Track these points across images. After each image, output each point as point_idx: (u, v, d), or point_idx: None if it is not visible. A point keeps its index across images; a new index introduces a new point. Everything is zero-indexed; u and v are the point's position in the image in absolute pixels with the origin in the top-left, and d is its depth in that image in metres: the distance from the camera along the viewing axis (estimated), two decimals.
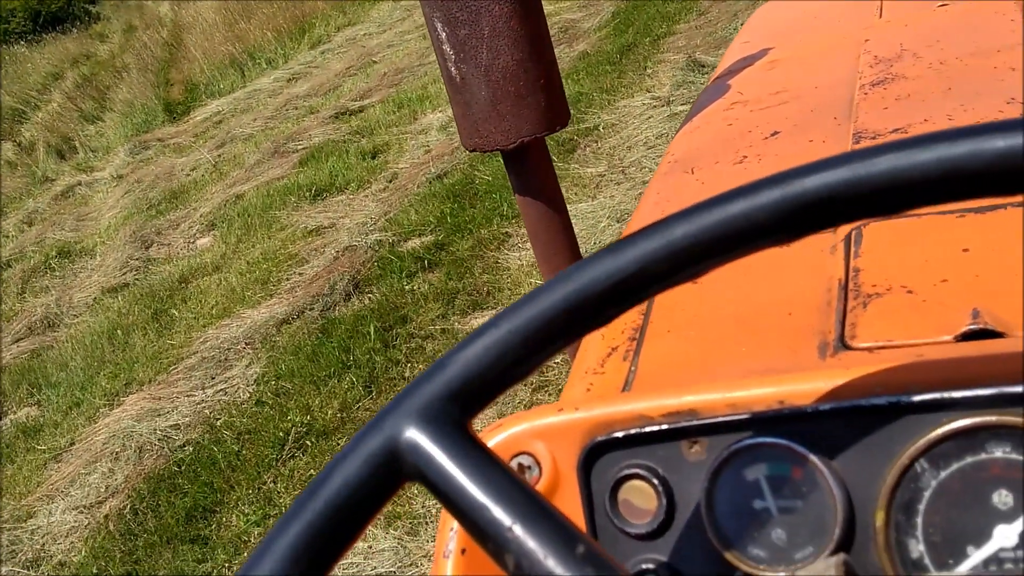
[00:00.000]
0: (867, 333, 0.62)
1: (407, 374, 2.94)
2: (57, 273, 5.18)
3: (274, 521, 2.51)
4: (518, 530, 0.33)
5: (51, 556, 2.75)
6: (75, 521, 2.86)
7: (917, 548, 0.45)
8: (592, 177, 3.90)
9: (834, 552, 0.46)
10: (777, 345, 0.65)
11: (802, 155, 0.96)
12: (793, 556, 0.48)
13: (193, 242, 4.94)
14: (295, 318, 3.58)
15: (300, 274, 3.96)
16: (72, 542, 2.78)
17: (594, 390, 0.71)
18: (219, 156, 6.26)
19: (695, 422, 0.51)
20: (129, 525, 2.74)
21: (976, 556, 0.44)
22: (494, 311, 3.12)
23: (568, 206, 3.73)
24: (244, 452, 2.86)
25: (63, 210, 6.39)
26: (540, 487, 0.55)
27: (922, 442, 0.45)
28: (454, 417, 0.37)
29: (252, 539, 2.49)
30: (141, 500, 2.82)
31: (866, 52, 1.22)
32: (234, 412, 3.10)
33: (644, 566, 0.51)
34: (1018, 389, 0.43)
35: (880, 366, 0.48)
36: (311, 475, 2.64)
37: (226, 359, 3.48)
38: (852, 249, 0.73)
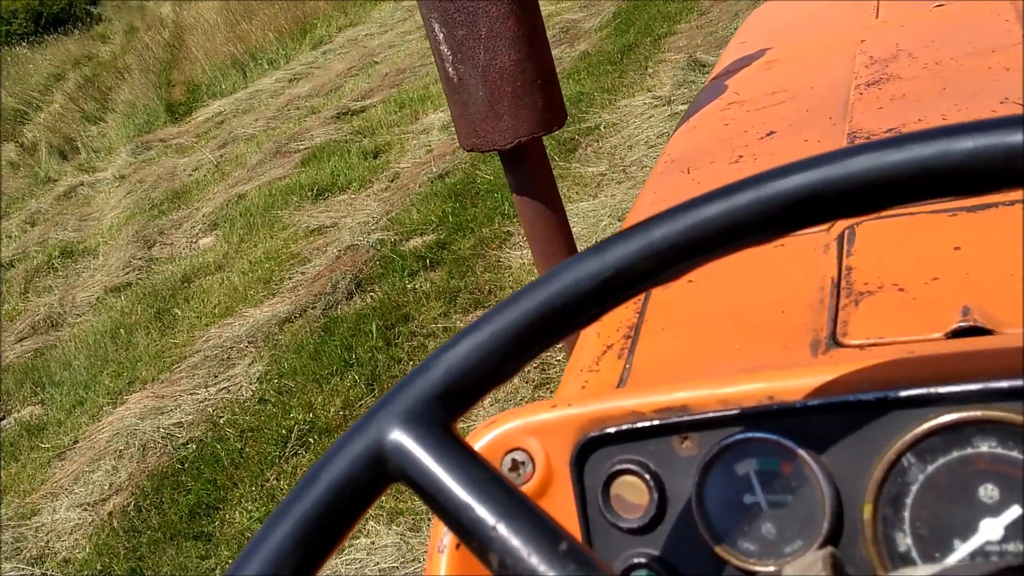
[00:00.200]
0: (859, 330, 0.63)
1: (409, 372, 2.95)
2: (60, 273, 5.20)
3: None
4: (502, 529, 0.34)
5: (56, 553, 2.77)
6: (79, 518, 2.88)
7: (904, 541, 0.46)
8: (593, 176, 3.91)
9: (823, 546, 0.47)
10: (770, 342, 0.66)
11: (797, 155, 0.97)
12: (783, 550, 0.48)
13: (195, 242, 4.96)
14: (297, 317, 3.60)
15: (302, 273, 3.97)
16: (76, 539, 2.80)
17: (589, 387, 0.72)
18: (221, 156, 6.27)
19: (686, 418, 0.51)
20: (133, 522, 2.75)
21: (962, 549, 0.44)
22: None
23: (570, 205, 3.75)
24: (247, 449, 2.88)
25: (66, 210, 6.41)
26: (534, 483, 0.56)
27: (909, 437, 0.46)
28: (438, 418, 0.37)
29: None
30: (145, 497, 2.84)
31: (862, 52, 1.23)
32: (237, 410, 3.12)
33: (636, 560, 0.52)
34: (1004, 384, 0.44)
35: (869, 362, 0.49)
36: None
37: (229, 357, 3.50)
38: (845, 247, 0.74)
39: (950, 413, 0.45)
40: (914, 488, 0.46)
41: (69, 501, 2.98)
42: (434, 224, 3.93)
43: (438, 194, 4.22)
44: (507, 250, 3.52)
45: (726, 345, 0.68)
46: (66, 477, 3.12)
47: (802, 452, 0.48)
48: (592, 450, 0.54)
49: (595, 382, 0.72)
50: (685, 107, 4.14)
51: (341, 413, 2.87)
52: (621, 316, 0.79)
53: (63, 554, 2.75)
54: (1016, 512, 0.44)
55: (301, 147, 5.71)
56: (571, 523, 0.54)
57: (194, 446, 3.02)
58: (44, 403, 3.79)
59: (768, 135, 1.07)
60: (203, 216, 5.19)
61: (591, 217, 3.50)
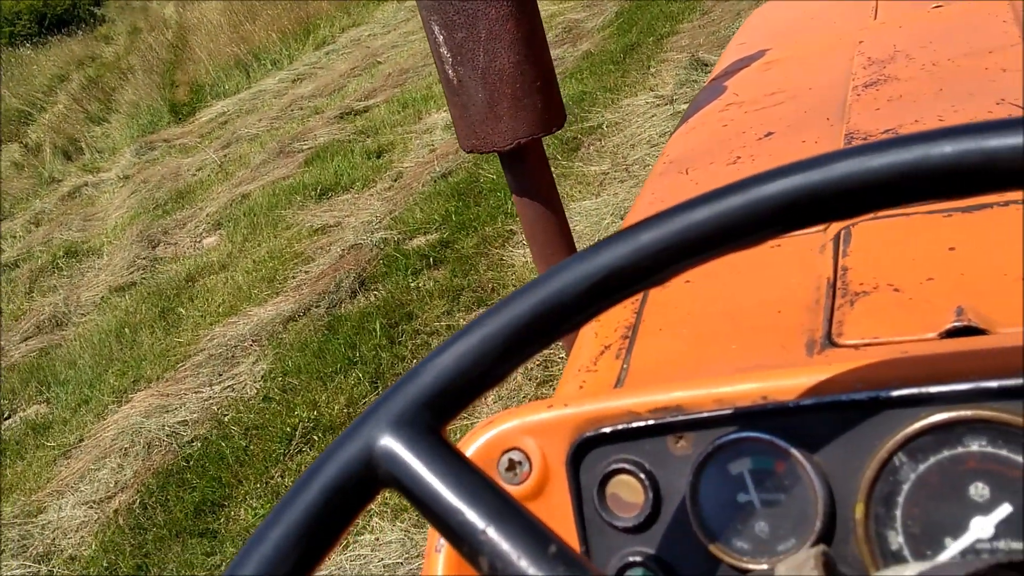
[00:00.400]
0: (854, 330, 0.63)
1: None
2: (64, 272, 5.23)
3: None
4: (491, 532, 0.34)
5: (62, 550, 2.79)
6: (85, 516, 2.90)
7: (896, 540, 0.46)
8: (596, 175, 3.92)
9: (815, 544, 0.47)
10: (766, 342, 0.67)
11: (795, 156, 0.97)
12: (776, 548, 0.49)
13: (199, 241, 4.97)
14: (301, 315, 3.61)
15: (306, 272, 3.99)
16: (82, 536, 2.82)
17: (587, 388, 0.72)
18: (225, 156, 6.29)
19: (680, 417, 0.52)
20: (138, 519, 2.77)
21: (953, 547, 0.45)
22: None
23: (572, 204, 3.76)
24: (252, 447, 2.90)
25: (70, 210, 6.44)
26: (530, 482, 0.56)
27: (900, 436, 0.46)
28: (428, 424, 0.37)
29: None
30: (150, 495, 2.86)
31: (860, 53, 1.24)
32: (241, 408, 3.14)
33: (632, 559, 0.52)
34: (995, 384, 0.44)
35: (862, 362, 0.50)
36: None
37: (233, 356, 3.51)
38: (841, 248, 0.75)
39: (941, 412, 0.45)
40: (906, 487, 0.46)
41: (75, 499, 3.00)
42: (437, 223, 3.94)
43: (441, 193, 4.23)
44: (510, 248, 3.54)
45: (723, 345, 0.69)
46: (72, 475, 3.14)
47: (795, 451, 0.48)
48: (588, 450, 0.54)
49: (593, 382, 0.73)
50: (687, 106, 4.15)
51: (345, 411, 2.88)
52: (619, 316, 0.80)
53: (69, 551, 2.77)
54: (1007, 510, 0.44)
55: (305, 147, 5.73)
56: (567, 522, 0.55)
57: (199, 444, 3.04)
58: (49, 402, 3.82)
59: (766, 136, 1.07)
60: (207, 216, 5.21)
61: (594, 216, 3.51)
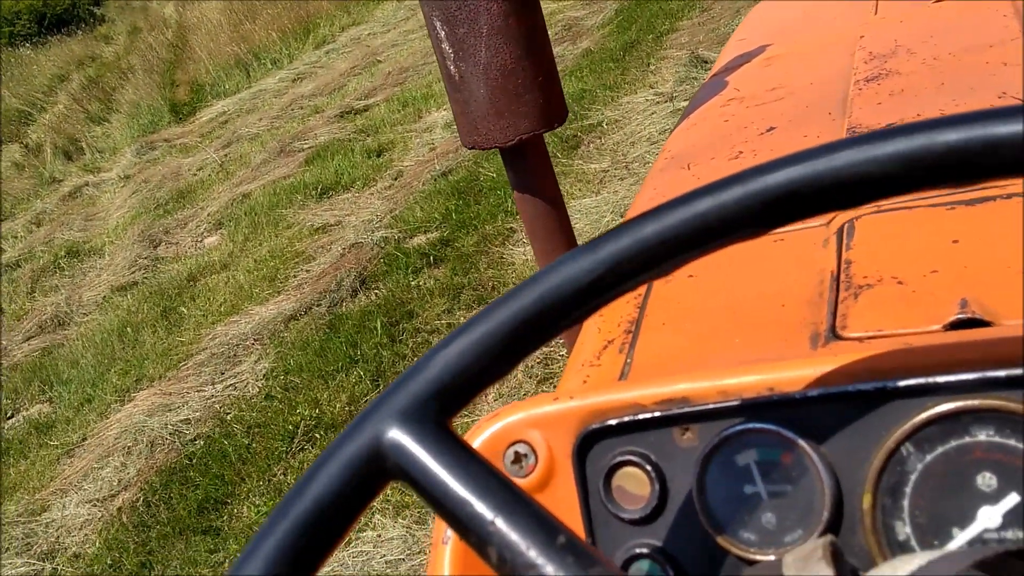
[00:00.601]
0: (858, 323, 0.63)
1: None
2: (66, 272, 5.23)
3: None
4: (500, 523, 0.34)
5: (66, 548, 2.80)
6: (88, 514, 2.90)
7: (903, 530, 0.46)
8: (596, 173, 3.92)
9: (822, 535, 0.47)
10: (770, 336, 0.67)
11: (796, 150, 0.98)
12: (783, 539, 0.49)
13: (201, 241, 4.98)
14: (303, 314, 3.62)
15: (307, 271, 3.99)
16: (86, 534, 2.82)
17: (591, 381, 0.72)
18: (225, 156, 6.30)
19: (687, 409, 0.51)
20: (142, 517, 2.78)
21: (961, 537, 0.45)
22: None
23: (572, 201, 3.76)
24: (254, 445, 2.90)
25: (71, 210, 6.44)
26: (536, 475, 0.56)
27: (908, 426, 0.46)
28: (435, 416, 0.37)
29: None
30: (153, 493, 2.87)
31: (861, 48, 1.24)
32: (244, 406, 3.14)
33: (638, 551, 0.52)
34: (1001, 374, 0.44)
35: (867, 353, 0.50)
36: None
37: (235, 355, 3.52)
38: (844, 241, 0.75)
39: (948, 402, 0.45)
40: (913, 477, 0.46)
41: (78, 497, 3.01)
42: (437, 221, 3.94)
43: (441, 192, 4.23)
44: (510, 246, 3.54)
45: (727, 339, 0.69)
46: (75, 474, 3.15)
47: (802, 442, 0.48)
48: (594, 442, 0.54)
49: (596, 376, 0.73)
50: (687, 103, 4.15)
51: (347, 409, 2.89)
52: (622, 311, 0.80)
53: (73, 549, 2.78)
54: (1014, 499, 0.44)
55: (305, 146, 5.73)
56: (573, 514, 0.55)
57: (202, 442, 3.04)
58: (52, 401, 3.82)
59: (768, 131, 1.08)
60: (208, 215, 5.22)
61: (594, 213, 3.52)
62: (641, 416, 0.53)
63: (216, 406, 3.22)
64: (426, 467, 0.36)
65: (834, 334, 0.63)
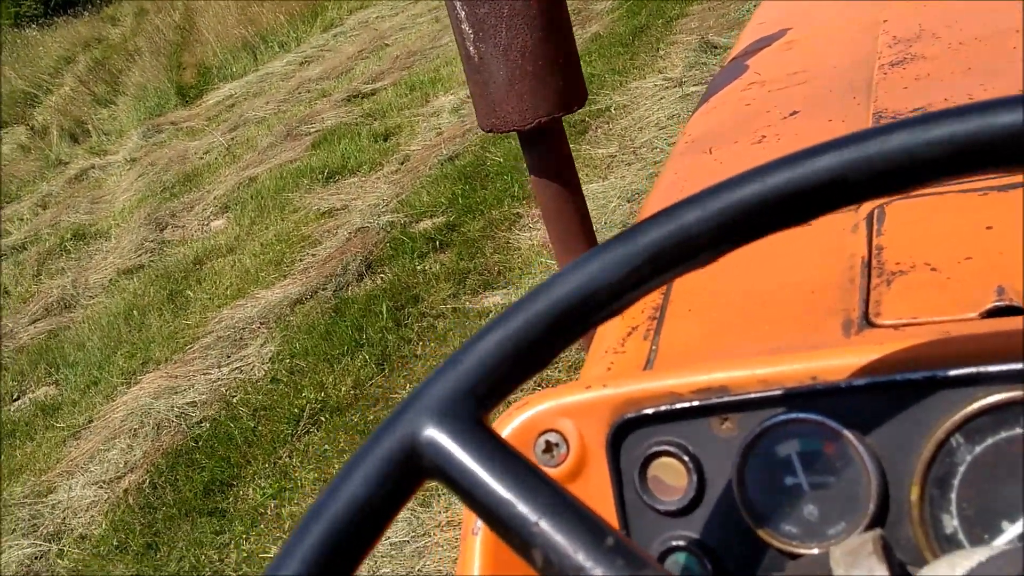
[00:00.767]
0: (891, 311, 0.62)
1: (419, 352, 2.97)
2: (72, 255, 5.23)
3: (290, 495, 2.55)
4: (544, 525, 0.33)
5: (72, 529, 2.81)
6: (95, 496, 2.91)
7: (951, 523, 0.45)
8: (603, 158, 3.89)
9: (868, 528, 0.46)
10: (800, 323, 0.65)
11: (822, 134, 0.96)
12: (826, 532, 0.48)
13: (207, 224, 4.97)
14: (308, 298, 3.61)
15: (313, 255, 3.98)
16: (92, 516, 2.83)
17: (615, 369, 0.71)
18: (232, 139, 6.28)
19: (726, 399, 0.50)
20: (148, 499, 2.79)
21: (1011, 531, 0.44)
22: (505, 290, 3.14)
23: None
24: (260, 428, 2.90)
25: (77, 193, 6.44)
26: (568, 464, 0.55)
27: (958, 416, 0.45)
28: (472, 413, 0.36)
29: (268, 511, 2.54)
30: (160, 475, 2.87)
31: (884, 32, 1.22)
32: (250, 389, 3.14)
33: (675, 543, 0.51)
34: None
35: (911, 341, 0.48)
36: (326, 450, 2.68)
37: (241, 338, 3.52)
38: (875, 227, 0.73)
39: (999, 393, 0.44)
40: (961, 469, 0.45)
41: (85, 479, 3.02)
42: (444, 206, 3.93)
43: (448, 176, 4.21)
44: (516, 232, 3.52)
45: (754, 326, 0.68)
46: (81, 456, 3.16)
47: (847, 433, 0.47)
48: (628, 431, 0.53)
49: (620, 363, 0.71)
50: (696, 88, 4.11)
51: (352, 392, 2.89)
52: (646, 298, 0.79)
53: (79, 530, 2.79)
54: None
55: (312, 130, 5.71)
56: (606, 505, 0.54)
57: (208, 425, 3.05)
58: (59, 383, 3.83)
59: (791, 115, 1.06)
60: (214, 199, 5.21)
61: (601, 199, 3.50)
62: (678, 405, 0.51)
63: (222, 389, 3.23)
64: (465, 466, 0.35)
65: (867, 321, 0.62)
